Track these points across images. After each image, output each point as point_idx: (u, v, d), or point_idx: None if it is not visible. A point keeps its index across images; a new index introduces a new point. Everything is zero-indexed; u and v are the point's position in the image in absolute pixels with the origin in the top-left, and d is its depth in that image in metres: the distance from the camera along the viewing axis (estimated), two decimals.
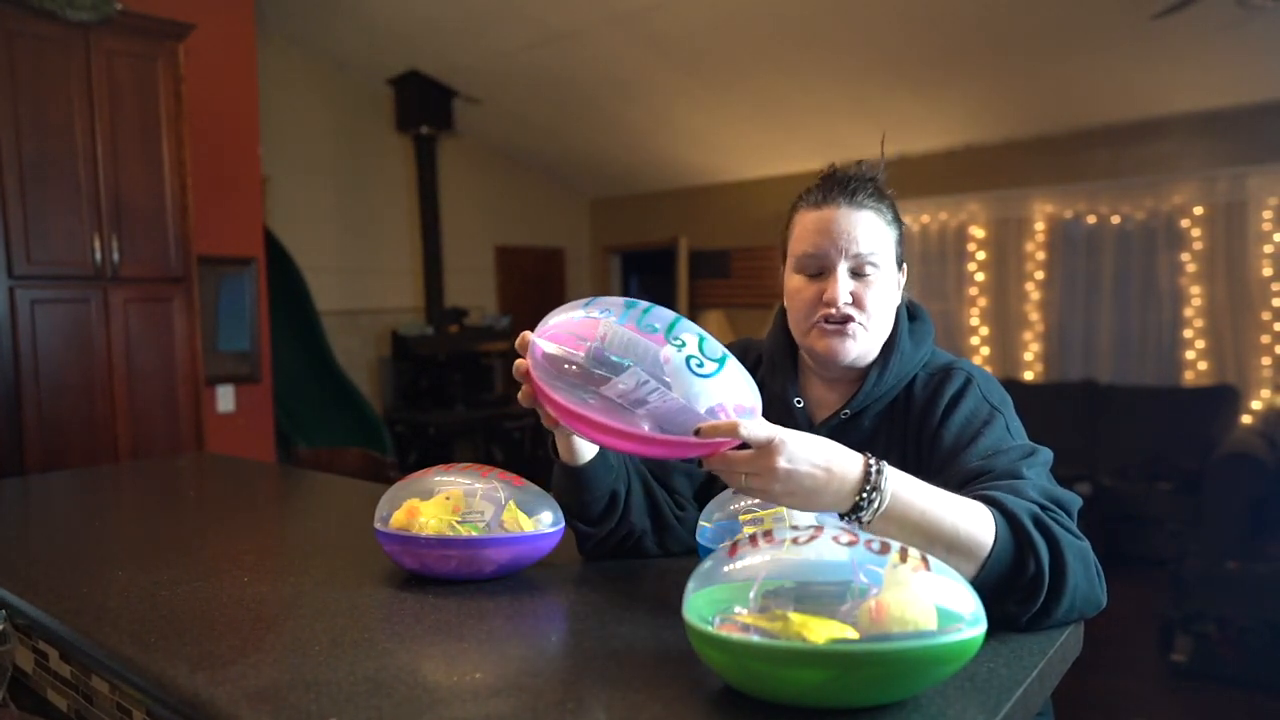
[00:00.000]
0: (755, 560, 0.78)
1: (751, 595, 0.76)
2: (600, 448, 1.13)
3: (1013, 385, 4.99)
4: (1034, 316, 5.27)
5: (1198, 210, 4.66)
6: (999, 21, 4.05)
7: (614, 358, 0.91)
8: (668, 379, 0.90)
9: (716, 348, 0.94)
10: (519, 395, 0.99)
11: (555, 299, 7.13)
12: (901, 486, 0.88)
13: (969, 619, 0.73)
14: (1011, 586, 0.90)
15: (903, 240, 1.19)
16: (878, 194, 1.15)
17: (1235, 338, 4.59)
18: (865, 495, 0.86)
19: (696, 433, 0.87)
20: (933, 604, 0.72)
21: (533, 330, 0.97)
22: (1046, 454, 1.06)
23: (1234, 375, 4.59)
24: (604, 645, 0.90)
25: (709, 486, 1.26)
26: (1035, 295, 5.25)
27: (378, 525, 1.13)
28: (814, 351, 1.17)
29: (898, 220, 1.18)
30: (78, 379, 2.95)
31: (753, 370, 1.28)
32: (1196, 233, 4.68)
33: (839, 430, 1.17)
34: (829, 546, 0.76)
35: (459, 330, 6.09)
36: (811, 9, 4.18)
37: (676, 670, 0.83)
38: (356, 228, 5.96)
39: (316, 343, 5.49)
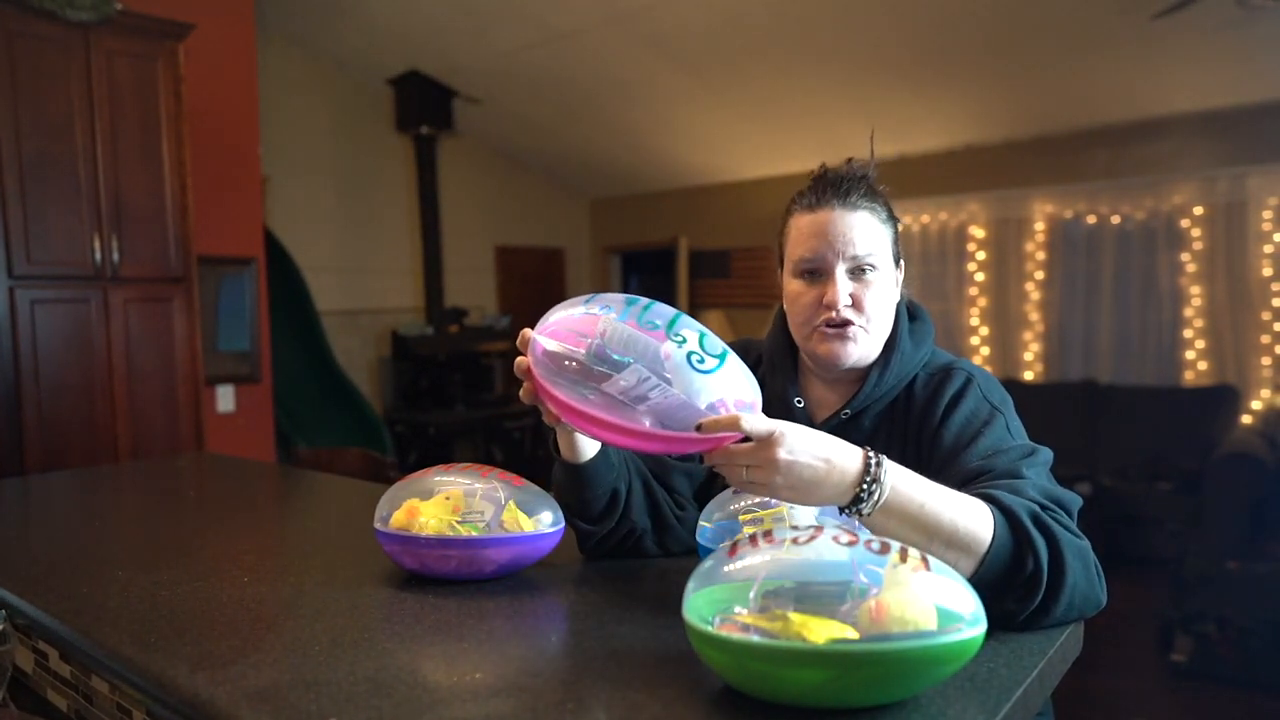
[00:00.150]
0: (755, 560, 0.78)
1: (751, 595, 0.76)
2: (602, 446, 1.13)
3: (1013, 385, 4.99)
4: (1034, 316, 5.27)
5: (1198, 210, 4.66)
6: (999, 22, 4.05)
7: (615, 355, 0.92)
8: (668, 375, 0.91)
9: (717, 344, 0.94)
10: (520, 392, 0.99)
11: (555, 299, 7.05)
12: (901, 480, 0.89)
13: (969, 619, 0.73)
14: (1010, 584, 0.90)
15: (899, 237, 1.19)
16: (871, 193, 1.15)
17: (1235, 338, 4.59)
18: (865, 487, 0.87)
19: (698, 428, 0.88)
20: (933, 604, 0.72)
21: (533, 327, 0.97)
22: (1046, 454, 1.06)
23: (1234, 375, 4.59)
24: (604, 645, 0.90)
25: (708, 486, 1.26)
26: (1035, 295, 5.25)
27: (378, 525, 1.13)
28: (815, 356, 1.17)
29: (892, 217, 1.18)
30: (78, 379, 2.95)
31: (753, 369, 1.28)
32: (1196, 233, 4.68)
33: (839, 430, 1.17)
34: (829, 546, 0.76)
35: (459, 330, 6.09)
36: (812, 9, 4.18)
37: (676, 670, 0.83)
38: (356, 228, 5.96)
39: (316, 343, 5.48)
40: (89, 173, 2.93)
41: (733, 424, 0.86)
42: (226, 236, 3.79)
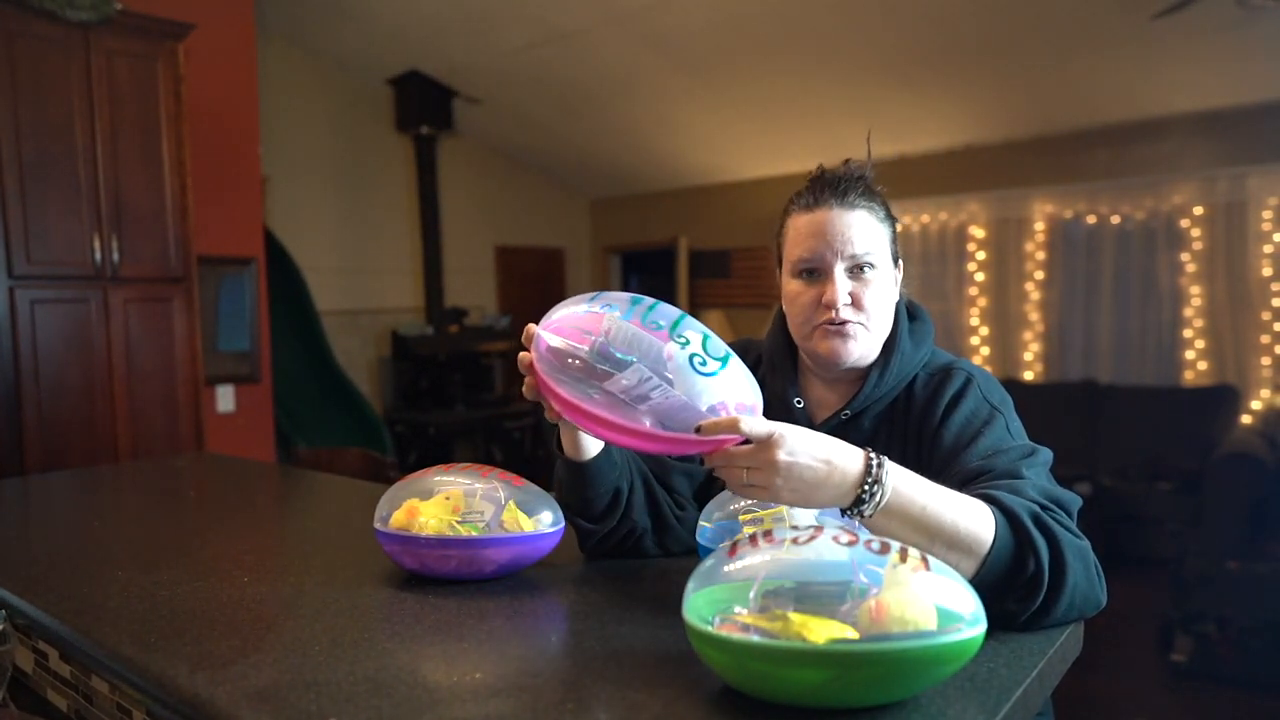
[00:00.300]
0: (755, 560, 0.78)
1: (751, 595, 0.76)
2: (605, 444, 1.13)
3: (1013, 385, 4.99)
4: (1034, 316, 5.27)
5: (1198, 210, 4.66)
6: (999, 22, 4.05)
7: (618, 353, 0.92)
8: (670, 376, 0.91)
9: (720, 346, 0.94)
10: (523, 387, 0.99)
11: (555, 299, 7.04)
12: (902, 482, 0.88)
13: (969, 619, 0.73)
14: (1011, 584, 0.90)
15: (897, 236, 1.19)
16: (868, 192, 1.15)
17: (1235, 338, 4.59)
18: (867, 489, 0.86)
19: (697, 430, 0.87)
20: (932, 604, 0.72)
21: (538, 324, 0.97)
22: (1046, 454, 1.06)
23: (1234, 375, 4.59)
24: (604, 645, 0.90)
25: (708, 487, 1.26)
26: (1035, 295, 5.25)
27: (378, 525, 1.13)
28: (816, 354, 1.17)
29: (890, 217, 1.18)
30: (78, 379, 2.95)
31: (753, 369, 1.28)
32: (1196, 233, 4.68)
33: (839, 431, 1.17)
34: (829, 546, 0.76)
35: (459, 330, 6.09)
36: (812, 9, 4.18)
37: (676, 670, 0.83)
38: (356, 228, 5.96)
39: (316, 343, 5.48)
40: (89, 173, 2.93)
41: (732, 426, 0.86)
42: (226, 236, 3.79)
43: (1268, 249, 4.45)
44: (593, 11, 4.52)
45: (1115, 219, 4.95)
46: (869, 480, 0.87)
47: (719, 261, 6.79)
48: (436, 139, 6.02)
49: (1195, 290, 4.70)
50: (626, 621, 0.97)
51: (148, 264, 3.09)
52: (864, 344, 1.14)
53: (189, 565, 1.24)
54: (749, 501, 1.05)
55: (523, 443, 6.22)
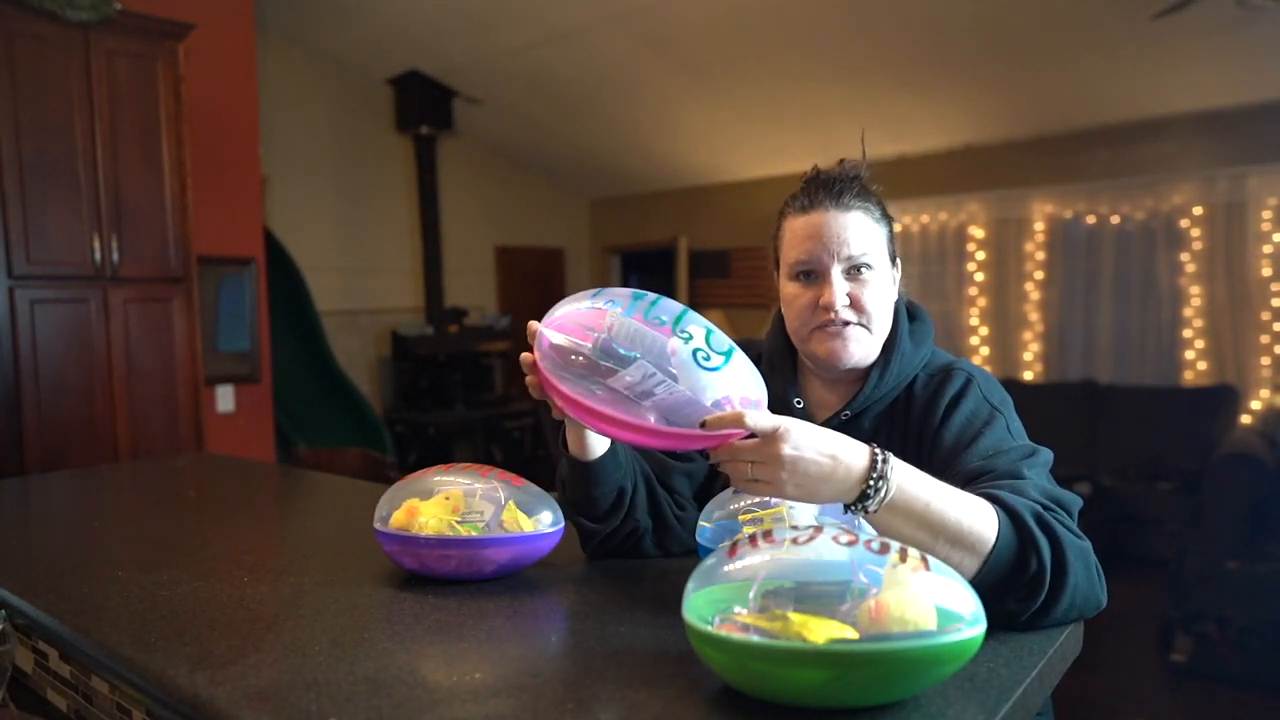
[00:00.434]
0: (755, 560, 0.78)
1: (751, 595, 0.76)
2: (611, 443, 1.13)
3: (1013, 385, 4.99)
4: (1034, 316, 5.27)
5: (1197, 210, 4.66)
6: (999, 22, 4.05)
7: (621, 350, 0.91)
8: (674, 370, 0.90)
9: (723, 340, 0.94)
10: (527, 384, 0.99)
11: (555, 299, 7.01)
12: (907, 478, 0.88)
13: (969, 619, 0.73)
14: (1013, 584, 0.90)
15: (894, 236, 1.19)
16: (864, 193, 1.15)
17: (1235, 338, 4.59)
18: (872, 484, 0.86)
19: (702, 425, 0.87)
20: (932, 604, 0.72)
21: (540, 321, 0.97)
22: (1047, 454, 1.06)
23: (1234, 375, 4.59)
24: (604, 645, 0.90)
25: (708, 487, 1.26)
26: (1035, 295, 5.25)
27: (378, 525, 1.13)
28: (815, 356, 1.17)
29: (887, 216, 1.17)
30: (78, 379, 2.95)
31: None
32: (1196, 233, 4.68)
33: (838, 431, 1.17)
34: (829, 546, 0.76)
35: (459, 330, 6.09)
36: (811, 9, 4.18)
37: (676, 670, 0.83)
38: (356, 228, 5.96)
39: (316, 343, 5.49)
40: (89, 173, 2.93)
41: (737, 420, 0.86)
42: (226, 236, 3.79)
43: (1267, 249, 4.45)
44: (593, 11, 4.52)
45: (1115, 219, 4.95)
46: (874, 475, 0.86)
47: (719, 261, 6.79)
48: (436, 139, 6.02)
49: (1195, 290, 4.70)
50: (626, 621, 0.97)
51: (147, 264, 3.09)
52: (864, 345, 1.14)
53: (189, 565, 1.24)
54: (749, 501, 1.04)
55: (523, 443, 6.22)
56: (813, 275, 1.14)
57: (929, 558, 0.77)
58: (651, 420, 0.90)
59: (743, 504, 1.05)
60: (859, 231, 1.12)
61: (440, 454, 5.69)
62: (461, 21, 4.90)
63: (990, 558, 0.89)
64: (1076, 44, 4.11)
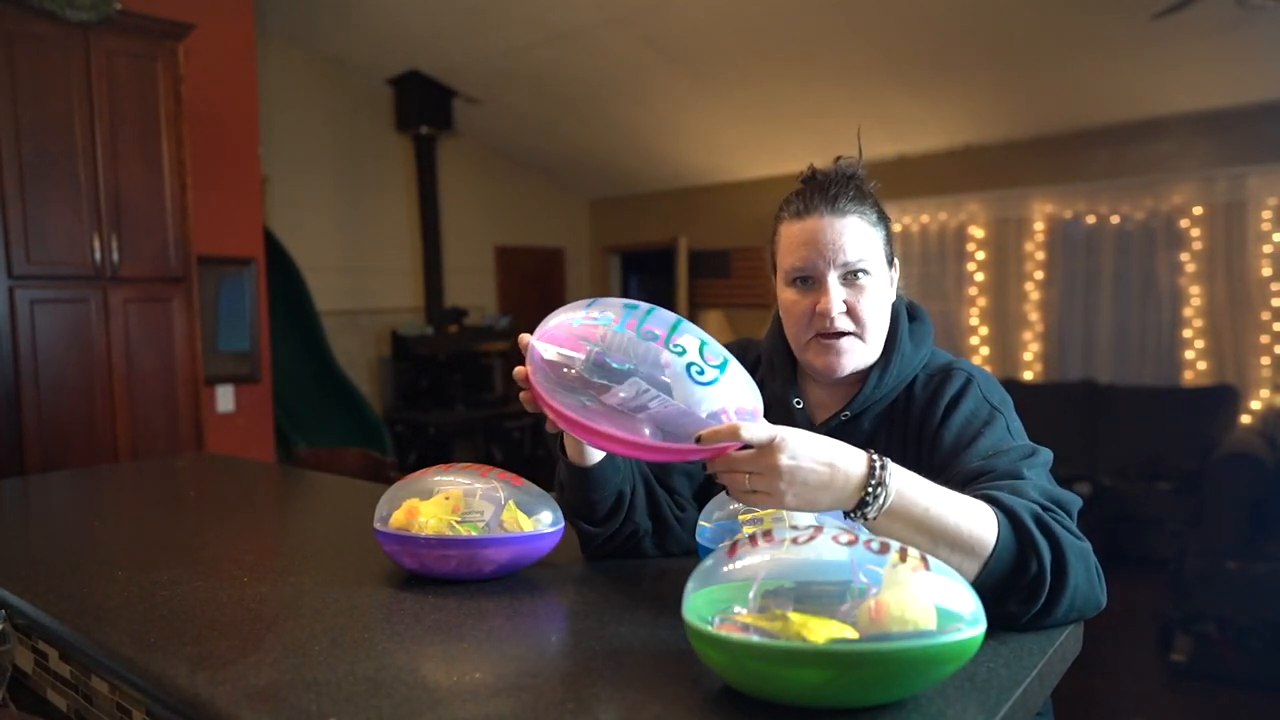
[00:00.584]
0: (755, 560, 0.78)
1: (751, 595, 0.76)
2: None
3: (1012, 385, 4.99)
4: (1034, 316, 5.27)
5: (1197, 210, 4.66)
6: (999, 22, 4.05)
7: (614, 363, 0.91)
8: (667, 380, 0.90)
9: (717, 352, 0.93)
10: (521, 398, 0.99)
11: (555, 299, 7.13)
12: (905, 484, 0.88)
13: (968, 619, 0.73)
14: (1014, 586, 0.90)
15: (891, 237, 1.18)
16: (859, 195, 1.14)
17: (1235, 338, 4.59)
18: (871, 491, 0.86)
19: (698, 439, 0.87)
20: (932, 604, 0.72)
21: (533, 331, 0.96)
22: (1047, 454, 1.06)
23: (1234, 375, 4.59)
24: (604, 645, 0.90)
25: (708, 487, 1.26)
26: (1035, 295, 5.25)
27: (377, 525, 1.13)
28: (812, 367, 1.17)
29: (883, 218, 1.17)
30: (78, 379, 2.95)
31: (753, 369, 1.27)
32: (1196, 233, 4.68)
33: (839, 432, 1.17)
34: (828, 546, 0.76)
35: (459, 330, 6.09)
36: (811, 9, 4.18)
37: (676, 670, 0.83)
38: (356, 228, 5.97)
39: (316, 343, 5.49)
40: (89, 173, 2.93)
41: (732, 434, 0.85)
42: (226, 236, 3.79)
43: (1267, 249, 4.45)
44: (593, 11, 4.52)
45: (1115, 219, 4.95)
46: (872, 482, 0.86)
47: (719, 261, 6.79)
48: (436, 139, 6.02)
49: (1195, 290, 4.70)
50: (626, 621, 0.97)
51: (147, 264, 3.09)
52: (859, 355, 1.14)
53: (189, 565, 1.24)
54: None
55: (523, 443, 6.22)
56: (809, 282, 1.13)
57: (929, 557, 0.77)
58: (646, 434, 0.89)
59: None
60: (855, 237, 1.11)
61: (440, 454, 5.69)
62: (461, 21, 4.90)
63: (990, 561, 0.89)
64: (1076, 44, 4.11)
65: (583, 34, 4.78)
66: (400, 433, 5.85)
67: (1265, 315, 4.48)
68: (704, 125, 5.79)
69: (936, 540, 0.88)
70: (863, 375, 1.18)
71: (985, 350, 5.44)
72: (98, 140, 2.94)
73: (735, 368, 0.94)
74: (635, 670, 0.84)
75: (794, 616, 0.72)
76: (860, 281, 1.12)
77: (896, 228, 1.19)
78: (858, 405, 1.17)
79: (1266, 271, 4.46)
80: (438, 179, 6.06)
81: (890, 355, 1.16)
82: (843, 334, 1.12)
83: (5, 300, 2.81)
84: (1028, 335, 5.30)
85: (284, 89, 5.37)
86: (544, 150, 6.81)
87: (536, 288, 7.22)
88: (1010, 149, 5.23)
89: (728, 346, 1.19)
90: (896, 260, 1.20)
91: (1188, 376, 4.76)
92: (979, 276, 5.44)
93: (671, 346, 0.91)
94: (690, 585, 0.80)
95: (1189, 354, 4.76)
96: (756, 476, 0.87)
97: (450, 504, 1.12)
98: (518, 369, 0.96)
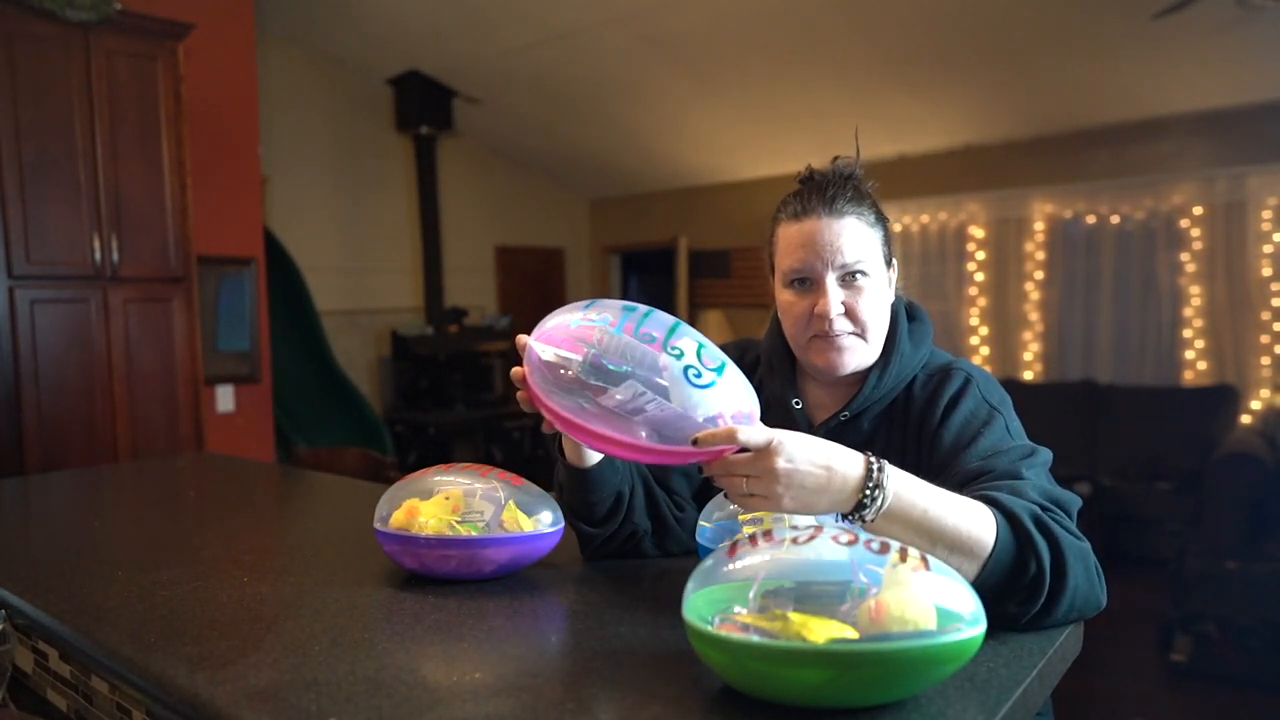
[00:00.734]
0: (755, 560, 0.78)
1: (751, 595, 0.76)
2: None
3: (1012, 385, 4.99)
4: (1034, 316, 5.27)
5: (1197, 210, 4.66)
6: (999, 22, 4.05)
7: (611, 365, 0.91)
8: (664, 383, 0.90)
9: (714, 355, 0.93)
10: (518, 399, 0.99)
11: (555, 299, 7.14)
12: (903, 486, 0.88)
13: (969, 619, 0.73)
14: (1013, 587, 0.90)
15: (889, 237, 1.17)
16: (857, 196, 1.14)
17: (1235, 338, 4.59)
18: (868, 493, 0.86)
19: (694, 442, 0.87)
20: (932, 604, 0.72)
21: (531, 332, 0.96)
22: (1046, 454, 1.06)
23: (1234, 375, 4.59)
24: (604, 645, 0.90)
25: (707, 487, 1.26)
26: (1035, 295, 5.25)
27: (377, 525, 1.13)
28: (812, 366, 1.17)
29: (881, 218, 1.16)
30: (77, 379, 2.95)
31: (752, 370, 1.27)
32: (1196, 233, 4.68)
33: (838, 432, 1.17)
34: (828, 546, 0.76)
35: (459, 330, 6.09)
36: (812, 9, 4.18)
37: (676, 670, 0.83)
38: (356, 228, 5.97)
39: (316, 343, 5.49)
40: (89, 173, 2.93)
41: (729, 437, 0.85)
42: (226, 236, 3.79)
43: (1267, 249, 4.45)
44: (593, 11, 4.52)
45: (1115, 219, 4.95)
46: (870, 485, 0.86)
47: (719, 261, 6.79)
48: (436, 139, 6.02)
49: (1195, 290, 4.70)
50: (626, 621, 0.97)
51: (147, 264, 3.09)
52: (859, 355, 1.14)
53: (189, 565, 1.24)
54: None
55: (523, 443, 6.22)
56: (807, 283, 1.13)
57: (929, 557, 0.77)
58: (643, 436, 0.89)
59: None
60: (852, 238, 1.11)
61: (440, 454, 5.69)
62: (461, 21, 4.90)
63: (989, 562, 0.88)
64: (1076, 44, 4.11)
65: (583, 34, 4.78)
66: (400, 433, 5.85)
67: (1265, 315, 4.48)
68: (704, 125, 5.79)
69: (935, 542, 0.88)
70: (862, 375, 1.17)
71: (985, 350, 5.44)
72: (98, 140, 2.94)
73: (732, 371, 0.93)
74: (635, 670, 0.84)
75: (794, 616, 0.72)
76: (858, 282, 1.12)
77: (896, 228, 1.18)
78: (857, 405, 1.17)
79: (1266, 271, 4.46)
80: (438, 179, 6.06)
81: (889, 355, 1.16)
82: (842, 334, 1.12)
83: (5, 300, 2.81)
84: (1028, 335, 5.31)
85: (284, 89, 5.37)
86: (544, 150, 6.81)
87: (536, 288, 7.22)
88: (1010, 149, 5.23)
89: (727, 347, 1.18)
90: (895, 260, 1.19)
91: (1188, 376, 4.76)
92: (979, 276, 5.44)
93: (669, 349, 0.91)
94: (690, 585, 0.80)
95: (1189, 354, 4.76)
96: (754, 480, 0.87)
97: (450, 504, 1.12)
98: (515, 369, 0.96)
